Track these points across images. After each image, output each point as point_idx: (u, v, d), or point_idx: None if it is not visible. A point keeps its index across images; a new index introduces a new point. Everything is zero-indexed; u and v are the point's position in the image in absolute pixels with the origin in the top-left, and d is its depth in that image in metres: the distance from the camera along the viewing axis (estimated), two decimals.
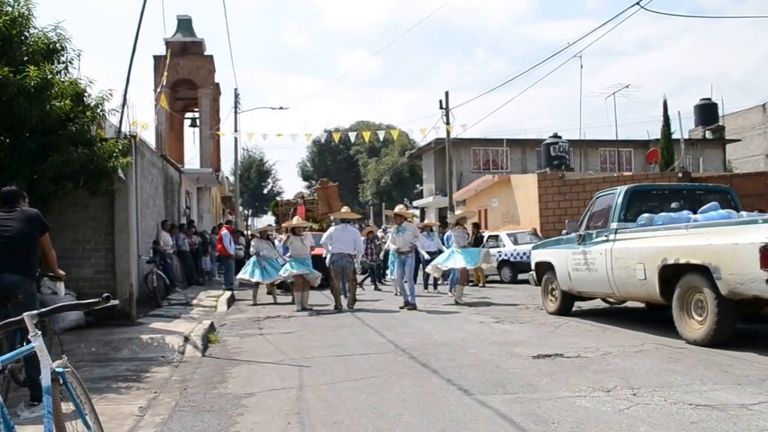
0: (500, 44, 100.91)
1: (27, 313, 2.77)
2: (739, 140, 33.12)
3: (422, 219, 31.52)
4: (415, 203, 39.07)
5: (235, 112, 27.95)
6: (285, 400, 4.78)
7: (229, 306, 11.78)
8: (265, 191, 60.93)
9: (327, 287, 12.63)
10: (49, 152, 6.96)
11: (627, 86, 27.96)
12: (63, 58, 7.32)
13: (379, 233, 17.85)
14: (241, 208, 41.84)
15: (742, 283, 5.82)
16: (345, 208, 13.55)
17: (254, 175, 59.30)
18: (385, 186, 50.90)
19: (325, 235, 11.45)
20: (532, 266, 10.52)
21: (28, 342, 2.79)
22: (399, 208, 12.12)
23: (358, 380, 5.34)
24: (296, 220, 12.47)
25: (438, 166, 31.69)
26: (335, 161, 59.44)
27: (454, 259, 11.61)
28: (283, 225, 11.65)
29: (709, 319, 6.25)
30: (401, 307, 10.66)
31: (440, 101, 25.10)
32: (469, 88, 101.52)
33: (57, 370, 2.90)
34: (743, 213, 7.31)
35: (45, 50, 7.02)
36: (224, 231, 15.50)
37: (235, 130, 27.76)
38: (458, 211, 13.29)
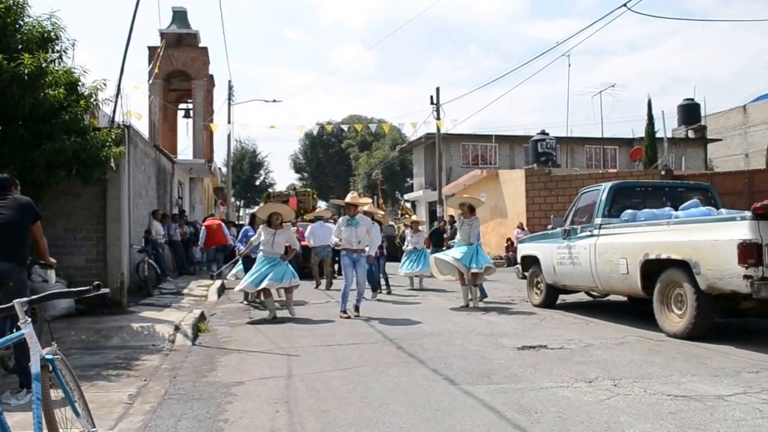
0: (492, 42, 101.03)
1: (17, 300, 2.77)
2: (720, 140, 33.59)
3: (414, 211, 31.63)
4: (405, 196, 39.17)
5: (229, 104, 27.95)
6: (274, 388, 4.84)
7: (219, 295, 11.82)
8: (258, 182, 60.74)
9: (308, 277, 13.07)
10: (41, 140, 6.95)
11: (613, 85, 28.77)
12: (57, 47, 7.31)
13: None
14: (233, 199, 41.73)
15: (721, 279, 5.96)
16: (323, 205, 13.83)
17: (247, 166, 59.04)
18: (376, 179, 50.85)
19: (307, 233, 13.70)
20: (518, 260, 10.66)
21: (18, 329, 2.79)
22: (350, 196, 9.50)
23: (346, 370, 5.42)
24: (272, 208, 9.53)
25: (428, 160, 31.77)
26: (327, 154, 59.31)
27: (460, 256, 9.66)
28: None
29: (689, 313, 6.40)
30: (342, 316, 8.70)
31: (431, 97, 25.21)
32: (461, 84, 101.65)
33: (47, 357, 2.89)
34: (723, 210, 7.45)
35: (39, 39, 7.01)
36: (221, 223, 15.68)
37: (229, 122, 27.74)
38: (465, 196, 11.03)
